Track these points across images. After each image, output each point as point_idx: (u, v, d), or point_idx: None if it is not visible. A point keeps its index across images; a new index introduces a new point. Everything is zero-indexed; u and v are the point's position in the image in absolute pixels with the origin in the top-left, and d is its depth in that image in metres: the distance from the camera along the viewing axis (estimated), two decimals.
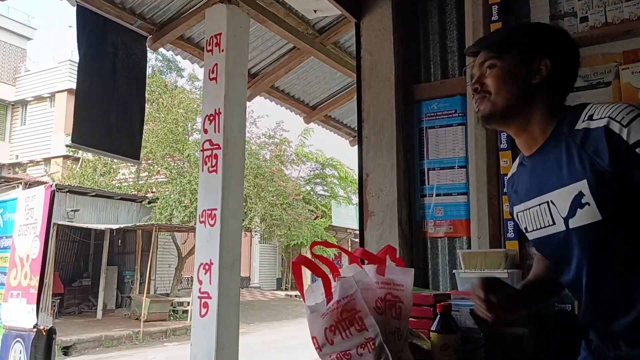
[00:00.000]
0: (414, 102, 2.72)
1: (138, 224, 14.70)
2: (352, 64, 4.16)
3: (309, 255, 1.55)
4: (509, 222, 2.24)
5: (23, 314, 3.60)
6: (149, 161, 15.69)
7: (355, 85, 2.86)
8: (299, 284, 1.73)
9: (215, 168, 3.07)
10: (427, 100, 2.69)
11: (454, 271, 2.19)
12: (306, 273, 1.75)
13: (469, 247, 2.43)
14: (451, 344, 1.60)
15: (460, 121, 2.59)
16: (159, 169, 16.04)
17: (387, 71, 2.68)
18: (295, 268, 1.55)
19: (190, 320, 12.98)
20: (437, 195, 2.58)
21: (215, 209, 3.00)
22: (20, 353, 3.49)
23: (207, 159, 3.10)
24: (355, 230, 23.24)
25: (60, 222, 13.24)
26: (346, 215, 23.97)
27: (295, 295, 22.01)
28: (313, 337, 1.48)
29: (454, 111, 2.62)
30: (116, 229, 14.16)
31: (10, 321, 3.77)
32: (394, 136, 2.62)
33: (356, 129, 2.93)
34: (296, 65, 4.59)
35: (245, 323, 14.24)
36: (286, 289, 24.65)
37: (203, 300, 2.81)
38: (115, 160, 16.24)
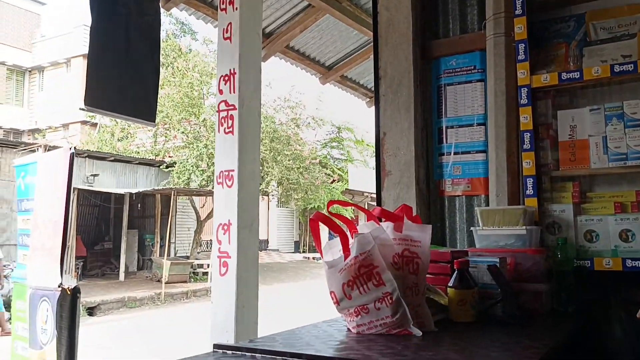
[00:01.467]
0: (432, 59, 2.66)
1: (157, 188, 14.88)
2: (369, 21, 4.08)
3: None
4: (528, 179, 2.21)
5: (47, 274, 3.69)
6: (165, 125, 15.76)
7: (372, 43, 2.80)
8: (316, 241, 1.74)
9: (231, 129, 3.05)
10: (446, 57, 2.62)
11: (471, 228, 2.18)
12: (323, 234, 1.76)
13: (487, 205, 2.41)
14: (468, 300, 1.61)
15: (480, 77, 2.53)
16: (175, 133, 16.12)
17: (404, 27, 2.61)
18: (313, 225, 1.56)
19: (210, 281, 13.28)
20: (455, 153, 2.55)
21: (233, 170, 3.00)
22: (47, 311, 3.60)
23: (222, 120, 3.08)
24: (372, 193, 23.28)
25: (80, 187, 13.46)
26: (362, 179, 23.97)
27: (313, 258, 22.29)
28: (331, 292, 1.49)
29: (473, 67, 2.56)
30: (135, 193, 14.35)
31: (35, 281, 3.88)
32: (412, 94, 2.57)
33: (373, 89, 2.88)
34: (311, 23, 4.51)
35: (263, 284, 14.49)
36: (303, 252, 24.96)
37: (222, 260, 2.84)
38: (132, 125, 16.35)
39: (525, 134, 2.24)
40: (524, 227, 1.98)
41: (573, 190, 2.22)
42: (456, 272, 1.63)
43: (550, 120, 2.29)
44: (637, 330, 2.00)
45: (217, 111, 3.09)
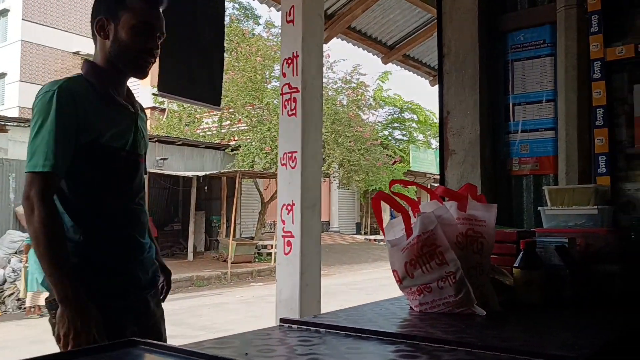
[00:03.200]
0: (499, 34, 2.57)
1: (222, 171, 15.30)
2: None
3: None
4: (600, 156, 2.12)
5: None
6: (230, 110, 16.12)
7: (436, 20, 2.75)
8: (379, 220, 1.75)
9: (294, 111, 3.10)
10: (513, 32, 2.53)
11: (539, 208, 2.12)
12: (385, 216, 1.77)
13: (556, 184, 2.33)
14: (535, 281, 1.57)
15: (549, 52, 2.43)
16: (239, 117, 16.46)
17: (469, 1, 2.54)
18: (375, 204, 1.57)
19: (274, 261, 13.60)
20: (522, 131, 2.47)
21: (296, 152, 3.05)
22: None
23: (286, 103, 3.13)
24: (434, 175, 22.91)
25: (151, 170, 14.05)
26: (425, 160, 23.61)
27: (375, 240, 22.28)
28: (394, 271, 1.50)
29: (542, 41, 2.46)
30: (202, 176, 14.82)
31: None
32: (477, 71, 2.51)
33: (436, 67, 2.83)
34: (373, 3, 4.46)
35: (326, 265, 14.67)
36: (365, 233, 24.99)
37: (287, 239, 2.91)
38: (198, 110, 16.84)
39: (597, 109, 2.14)
40: (595, 207, 1.91)
41: None
42: (522, 252, 1.60)
43: (625, 95, 2.18)
44: None
45: (280, 94, 3.14)
